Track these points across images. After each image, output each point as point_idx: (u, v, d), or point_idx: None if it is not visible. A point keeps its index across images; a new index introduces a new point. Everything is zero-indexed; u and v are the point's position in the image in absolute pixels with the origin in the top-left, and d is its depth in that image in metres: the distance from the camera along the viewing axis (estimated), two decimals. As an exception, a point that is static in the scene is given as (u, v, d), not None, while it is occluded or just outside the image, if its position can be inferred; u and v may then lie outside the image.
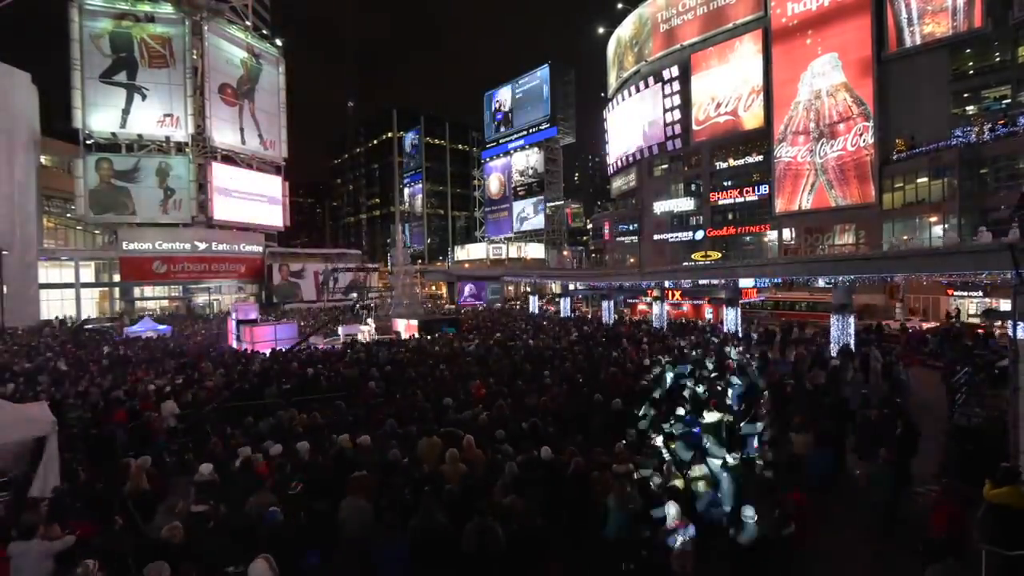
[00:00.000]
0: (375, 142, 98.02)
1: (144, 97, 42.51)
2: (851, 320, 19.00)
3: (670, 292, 31.49)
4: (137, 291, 43.94)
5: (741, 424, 8.73)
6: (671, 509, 5.00)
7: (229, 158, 47.22)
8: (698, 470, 5.98)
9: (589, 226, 72.72)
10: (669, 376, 11.46)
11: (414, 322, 25.93)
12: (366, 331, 25.14)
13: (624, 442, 6.93)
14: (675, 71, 40.75)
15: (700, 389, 10.11)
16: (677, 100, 40.83)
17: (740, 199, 37.67)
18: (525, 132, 67.19)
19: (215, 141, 45.13)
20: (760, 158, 36.21)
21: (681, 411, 8.39)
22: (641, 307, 35.36)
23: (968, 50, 27.19)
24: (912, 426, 8.09)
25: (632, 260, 46.13)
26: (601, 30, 51.91)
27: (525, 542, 4.84)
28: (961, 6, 26.14)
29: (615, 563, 5.17)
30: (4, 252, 29.59)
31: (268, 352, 17.66)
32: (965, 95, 27.47)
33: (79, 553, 4.50)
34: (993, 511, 5.26)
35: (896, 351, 16.28)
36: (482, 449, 6.99)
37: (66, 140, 42.22)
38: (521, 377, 12.07)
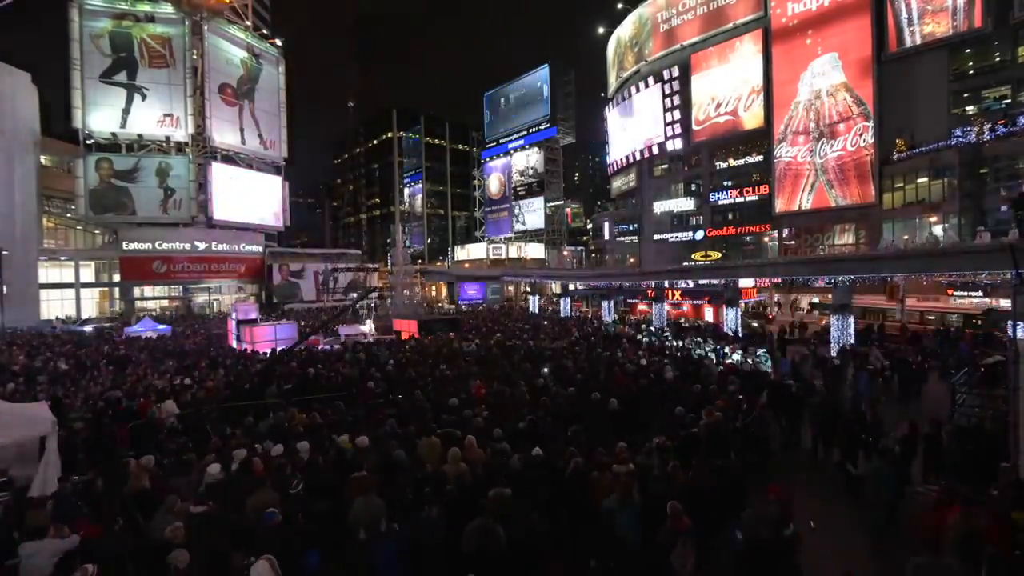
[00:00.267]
0: (375, 142, 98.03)
1: (144, 97, 42.55)
2: (851, 320, 19.02)
3: (670, 292, 31.49)
4: (137, 291, 43.97)
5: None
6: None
7: (229, 158, 47.25)
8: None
9: (589, 226, 72.73)
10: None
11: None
12: (367, 329, 25.16)
13: (623, 443, 6.92)
14: (675, 71, 40.73)
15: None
16: (677, 100, 40.82)
17: (740, 199, 37.66)
18: (525, 132, 67.18)
19: (215, 141, 45.15)
20: (760, 158, 36.20)
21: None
22: (641, 307, 35.33)
23: (968, 50, 27.18)
24: (914, 427, 8.11)
25: (632, 260, 46.13)
26: (601, 30, 51.90)
27: (525, 542, 4.84)
28: (961, 6, 26.13)
29: (615, 561, 5.17)
30: (4, 252, 29.60)
31: (267, 352, 17.67)
32: (965, 95, 27.46)
33: (81, 554, 4.50)
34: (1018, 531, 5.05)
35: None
36: (482, 449, 7.00)
37: (66, 140, 42.27)
38: (521, 377, 12.07)
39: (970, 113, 26.99)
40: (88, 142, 41.45)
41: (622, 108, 47.25)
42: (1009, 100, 25.62)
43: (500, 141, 71.39)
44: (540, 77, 64.65)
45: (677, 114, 40.92)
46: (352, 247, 77.93)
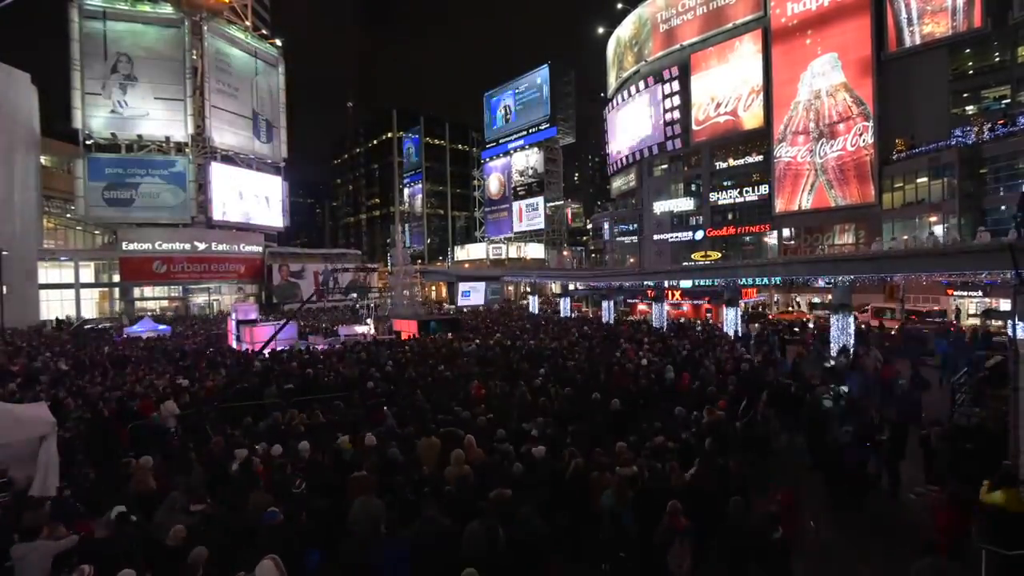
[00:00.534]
0: (375, 142, 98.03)
1: (143, 97, 42.53)
2: (851, 320, 19.01)
3: (670, 292, 31.48)
4: (137, 291, 43.97)
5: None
6: None
7: (229, 158, 47.25)
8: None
9: (589, 226, 72.74)
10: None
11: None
12: (367, 329, 25.14)
13: (624, 444, 6.92)
14: (675, 71, 40.74)
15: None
16: (677, 100, 40.83)
17: (740, 199, 37.68)
18: (525, 132, 67.18)
19: (215, 141, 45.15)
20: (760, 158, 36.22)
21: None
22: (641, 307, 35.33)
23: (968, 50, 27.19)
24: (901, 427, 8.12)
25: (632, 260, 46.14)
26: (601, 30, 51.93)
27: (525, 543, 4.84)
28: (961, 6, 26.13)
29: (612, 561, 5.17)
30: (4, 252, 29.59)
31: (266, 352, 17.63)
32: (965, 95, 27.48)
33: (81, 553, 4.49)
34: (989, 513, 5.27)
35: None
36: (482, 449, 7.00)
37: (66, 140, 42.25)
38: (520, 377, 12.07)
39: (970, 113, 27.01)
40: (88, 142, 41.44)
41: (622, 108, 47.26)
42: (1009, 100, 25.64)
43: (500, 141, 71.41)
44: (540, 77, 64.65)
45: (677, 114, 40.93)
46: (352, 247, 77.96)
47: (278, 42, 53.56)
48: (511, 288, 59.17)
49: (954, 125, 26.47)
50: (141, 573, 4.02)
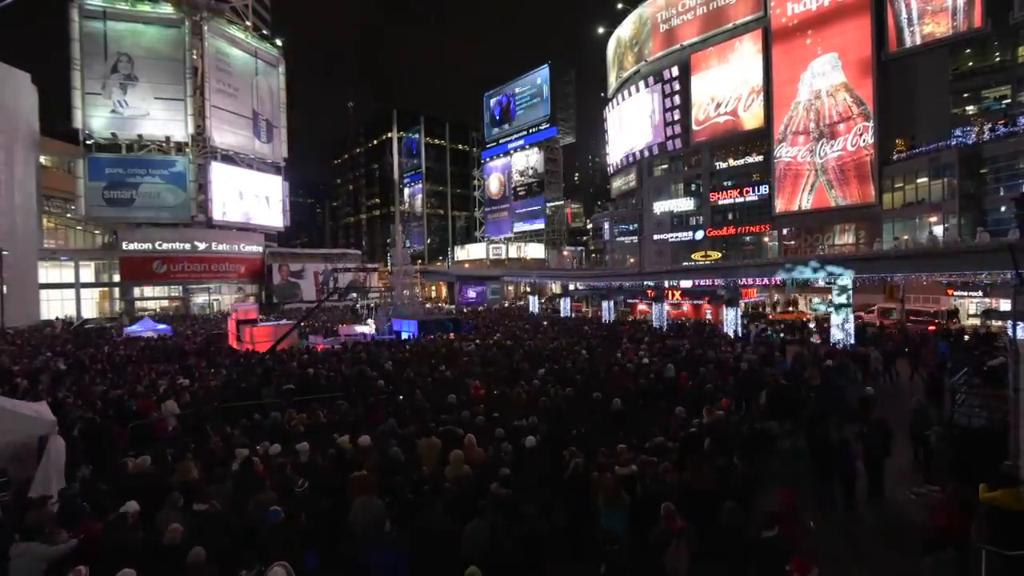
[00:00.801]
0: (375, 142, 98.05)
1: (144, 97, 42.54)
2: (851, 320, 19.01)
3: (670, 292, 31.48)
4: (137, 291, 43.98)
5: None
6: None
7: (229, 158, 47.25)
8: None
9: (589, 226, 72.74)
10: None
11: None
12: (367, 329, 25.16)
13: (624, 446, 6.91)
14: (675, 71, 40.75)
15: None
16: (677, 100, 40.84)
17: (740, 199, 37.68)
18: (525, 132, 67.20)
19: (215, 141, 45.15)
20: (760, 158, 36.22)
21: None
22: (641, 307, 35.33)
23: (968, 50, 27.20)
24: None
25: (632, 260, 46.13)
26: (601, 30, 51.93)
27: (526, 543, 4.84)
28: (961, 6, 26.14)
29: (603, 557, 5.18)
30: (4, 252, 29.58)
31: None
32: (965, 95, 27.47)
33: (83, 553, 4.48)
34: (989, 512, 5.27)
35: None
36: (482, 448, 7.00)
37: (66, 140, 42.24)
38: (520, 377, 12.07)
39: (970, 113, 27.01)
40: (88, 142, 41.44)
41: (622, 108, 47.27)
42: (1009, 100, 25.63)
43: (500, 141, 71.43)
44: (540, 77, 64.66)
45: (677, 114, 40.94)
46: (352, 247, 77.95)
47: (278, 42, 53.59)
48: (511, 288, 59.18)
49: (954, 125, 26.47)
50: (142, 573, 4.01)
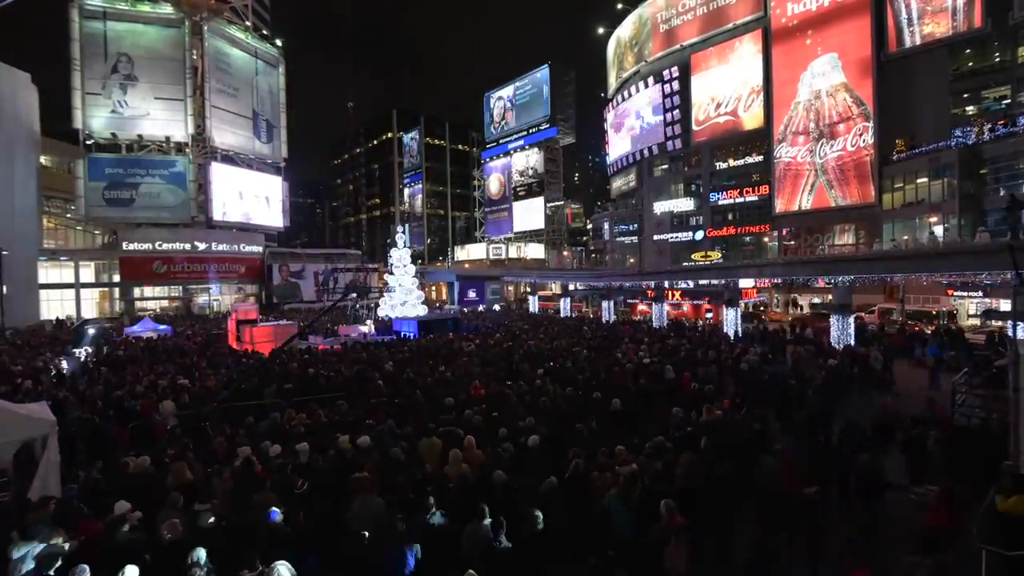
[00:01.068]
0: (375, 142, 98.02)
1: (144, 97, 42.53)
2: (851, 320, 19.02)
3: (670, 292, 31.50)
4: (137, 291, 43.94)
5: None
6: None
7: (229, 158, 47.23)
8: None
9: (589, 226, 72.67)
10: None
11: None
12: (367, 330, 25.17)
13: (623, 447, 6.91)
14: (675, 71, 40.74)
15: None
16: (677, 100, 40.82)
17: (740, 199, 37.68)
18: (525, 132, 67.14)
19: (215, 141, 45.13)
20: (760, 158, 36.21)
21: None
22: (641, 307, 35.34)
23: (968, 50, 27.19)
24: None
25: (632, 260, 46.13)
26: (601, 30, 51.93)
27: (526, 543, 4.84)
28: (961, 6, 26.13)
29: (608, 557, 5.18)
30: (4, 252, 29.57)
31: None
32: (965, 95, 27.47)
33: (84, 553, 4.49)
34: (1000, 517, 5.18)
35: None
36: (482, 449, 7.00)
37: (66, 140, 42.23)
38: (519, 377, 12.08)
39: (970, 113, 27.01)
40: (88, 142, 41.43)
41: (622, 108, 47.26)
42: (1009, 100, 25.63)
43: (500, 141, 71.38)
44: (540, 77, 64.63)
45: (677, 114, 40.92)
46: (352, 247, 77.92)
47: (278, 42, 53.56)
48: (511, 288, 59.17)
49: (954, 125, 26.47)
50: (143, 573, 4.02)
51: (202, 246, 45.18)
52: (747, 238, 38.08)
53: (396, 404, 10.05)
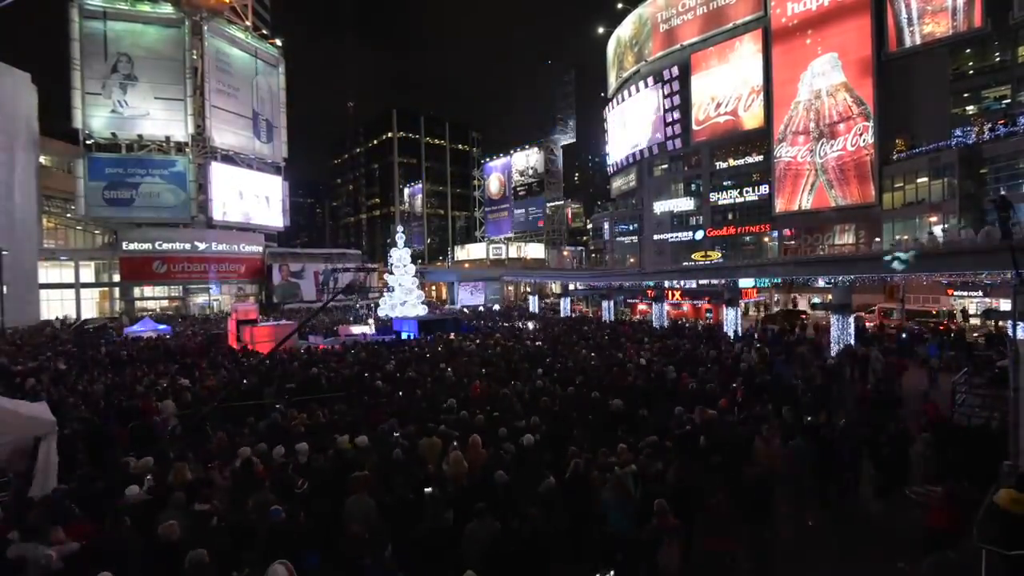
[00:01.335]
0: (375, 142, 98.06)
1: (144, 97, 42.52)
2: (851, 320, 19.01)
3: (670, 292, 31.49)
4: (137, 291, 43.92)
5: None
6: None
7: (229, 158, 47.21)
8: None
9: (589, 226, 72.67)
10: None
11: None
12: (367, 330, 25.18)
13: (623, 445, 6.91)
14: (675, 71, 40.75)
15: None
16: (677, 100, 40.83)
17: (740, 199, 37.69)
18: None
19: (215, 141, 45.11)
20: (760, 158, 36.22)
21: None
22: (641, 307, 35.34)
23: (968, 50, 27.19)
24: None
25: (632, 260, 46.14)
26: (601, 30, 51.95)
27: (526, 542, 4.84)
28: (961, 6, 26.13)
29: (610, 557, 5.18)
30: (4, 252, 29.56)
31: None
32: (965, 95, 27.47)
33: (85, 553, 4.48)
34: (1004, 516, 5.15)
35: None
36: (484, 449, 6.99)
37: (66, 140, 42.20)
38: (520, 377, 12.08)
39: (970, 113, 27.01)
40: (88, 142, 41.41)
41: (622, 108, 47.27)
42: (1009, 100, 25.63)
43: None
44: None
45: (677, 114, 40.93)
46: (352, 247, 77.90)
47: (278, 42, 53.52)
48: (511, 288, 59.18)
49: (954, 125, 26.47)
50: (143, 573, 4.02)
51: (202, 246, 45.16)
52: (747, 238, 38.08)
53: (396, 404, 10.05)
